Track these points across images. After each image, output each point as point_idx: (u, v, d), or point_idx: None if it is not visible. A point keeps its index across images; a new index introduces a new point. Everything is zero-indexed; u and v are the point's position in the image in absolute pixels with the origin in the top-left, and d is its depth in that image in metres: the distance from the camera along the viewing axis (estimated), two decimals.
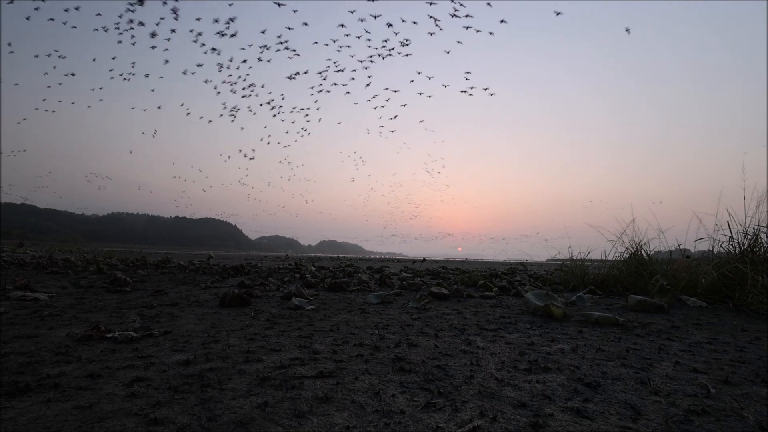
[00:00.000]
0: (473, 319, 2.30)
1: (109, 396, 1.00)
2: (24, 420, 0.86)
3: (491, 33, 6.47)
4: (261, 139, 12.32)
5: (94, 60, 9.87)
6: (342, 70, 8.15)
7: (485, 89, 8.57)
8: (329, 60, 8.17)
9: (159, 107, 12.54)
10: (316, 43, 8.56)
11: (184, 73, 8.55)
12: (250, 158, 12.21)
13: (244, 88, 9.01)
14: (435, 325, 2.10)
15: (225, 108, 9.29)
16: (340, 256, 32.31)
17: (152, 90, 12.20)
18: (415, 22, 6.51)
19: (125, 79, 8.45)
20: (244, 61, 8.56)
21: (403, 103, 9.66)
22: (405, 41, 7.03)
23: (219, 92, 9.20)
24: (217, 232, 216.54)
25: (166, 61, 8.11)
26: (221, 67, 7.92)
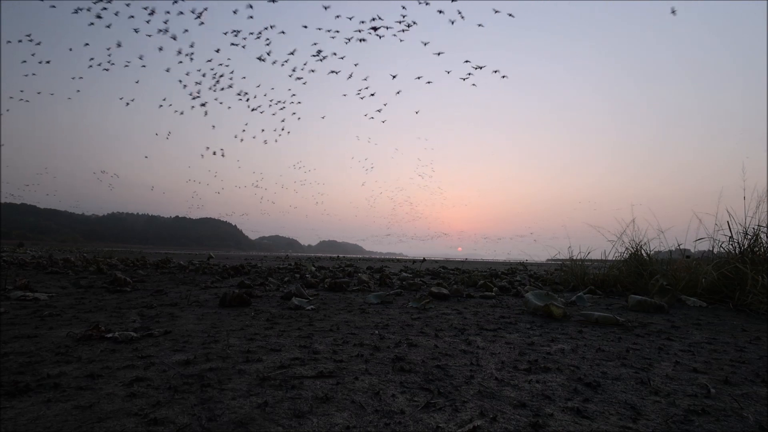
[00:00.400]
0: (473, 319, 2.30)
1: (109, 396, 1.00)
2: (24, 420, 0.86)
3: (511, 15, 6.18)
4: (235, 136, 11.84)
5: (70, 50, 9.61)
6: (324, 58, 7.58)
7: (495, 71, 7.94)
8: (315, 45, 7.54)
9: (123, 101, 12.04)
10: (305, 27, 7.96)
11: (128, 63, 8.05)
12: (222, 155, 11.78)
13: (217, 80, 8.55)
14: (435, 325, 2.10)
15: (193, 98, 8.75)
16: (340, 256, 32.32)
17: (137, 82, 11.66)
18: (427, 3, 6.09)
19: (105, 69, 8.01)
20: (218, 51, 8.19)
21: (398, 90, 9.22)
22: (410, 22, 6.57)
23: (185, 85, 8.73)
24: (217, 232, 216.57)
25: (119, 45, 7.48)
26: (178, 53, 7.50)
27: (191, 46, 7.85)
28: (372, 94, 9.05)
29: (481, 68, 7.72)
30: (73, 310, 2.28)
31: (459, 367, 1.32)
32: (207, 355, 1.39)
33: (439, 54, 8.20)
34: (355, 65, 8.48)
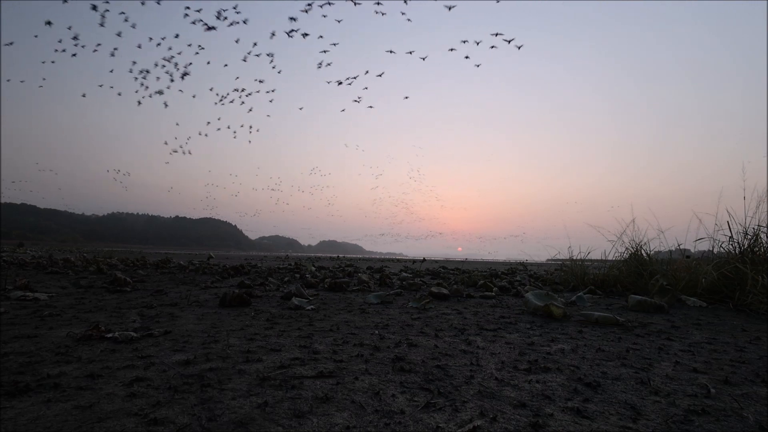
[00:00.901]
0: (473, 319, 2.30)
1: (109, 396, 1.00)
2: (24, 420, 0.86)
3: None
4: (199, 133, 11.39)
5: (36, 36, 9.37)
6: (305, 35, 6.92)
7: (509, 41, 7.32)
8: (293, 20, 6.92)
9: (84, 95, 12.03)
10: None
11: (97, 48, 7.62)
12: (184, 153, 11.41)
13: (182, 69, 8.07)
14: (435, 325, 2.10)
15: (145, 87, 8.22)
16: (340, 256, 32.32)
17: (111, 71, 10.32)
18: None
19: (73, 54, 7.50)
20: (177, 36, 7.86)
21: (379, 73, 8.65)
22: None
23: (136, 78, 8.20)
24: (217, 232, 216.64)
25: (49, 23, 7.00)
26: (118, 34, 6.94)
27: (133, 26, 7.40)
28: (350, 83, 8.47)
29: (498, 35, 7.15)
30: (73, 310, 2.28)
31: (459, 367, 1.32)
32: (207, 355, 1.39)
33: (450, 9, 7.32)
34: (335, 44, 7.88)
